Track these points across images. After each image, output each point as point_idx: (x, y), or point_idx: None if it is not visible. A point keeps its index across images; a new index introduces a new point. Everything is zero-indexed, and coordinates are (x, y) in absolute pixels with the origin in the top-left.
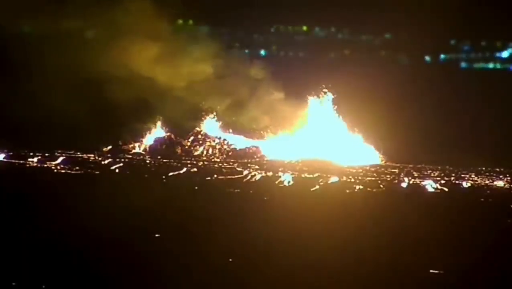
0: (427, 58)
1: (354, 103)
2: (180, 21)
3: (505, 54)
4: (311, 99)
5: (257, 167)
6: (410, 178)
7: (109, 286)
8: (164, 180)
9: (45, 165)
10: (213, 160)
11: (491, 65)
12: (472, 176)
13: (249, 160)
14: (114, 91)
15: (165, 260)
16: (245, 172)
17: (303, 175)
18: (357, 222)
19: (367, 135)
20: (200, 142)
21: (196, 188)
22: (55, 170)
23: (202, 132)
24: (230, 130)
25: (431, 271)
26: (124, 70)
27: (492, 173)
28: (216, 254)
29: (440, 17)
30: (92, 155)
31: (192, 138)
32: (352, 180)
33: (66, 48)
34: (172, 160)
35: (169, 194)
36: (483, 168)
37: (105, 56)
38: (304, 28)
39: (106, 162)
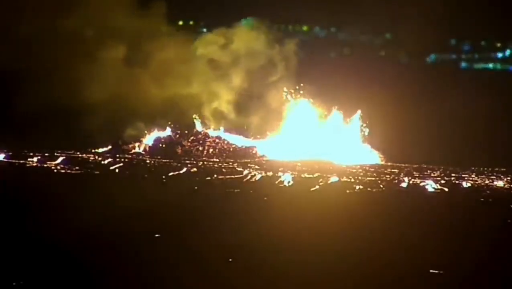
0: (427, 58)
1: (354, 103)
2: (180, 22)
3: (505, 54)
4: (311, 99)
5: (257, 167)
6: (410, 178)
7: (109, 286)
8: (164, 180)
9: (45, 165)
10: (213, 160)
11: (491, 65)
12: (472, 176)
13: (249, 160)
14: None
15: (165, 260)
16: (245, 172)
17: (303, 175)
18: (357, 222)
19: (367, 135)
20: (200, 142)
21: (196, 188)
22: (55, 170)
23: (202, 132)
24: (230, 130)
25: (431, 271)
26: (125, 69)
27: (492, 173)
28: (216, 254)
29: (440, 17)
30: (92, 155)
31: (192, 138)
32: (352, 180)
33: (67, 47)
34: (172, 160)
35: (169, 194)
36: (483, 168)
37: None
38: (304, 28)
39: (106, 162)
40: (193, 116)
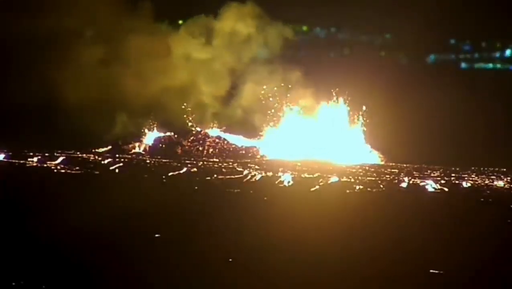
0: (427, 58)
1: (354, 103)
2: (180, 22)
3: (505, 54)
4: (311, 99)
5: (257, 167)
6: (410, 178)
7: (109, 286)
8: (164, 180)
9: (45, 165)
10: (213, 160)
11: (491, 65)
12: (472, 176)
13: (249, 160)
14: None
15: (165, 260)
16: (245, 172)
17: (303, 175)
18: (357, 222)
19: (367, 134)
20: (200, 142)
21: (196, 188)
22: (55, 170)
23: (202, 132)
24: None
25: (431, 271)
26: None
27: (492, 173)
28: (216, 254)
29: (440, 17)
30: (92, 155)
31: (192, 138)
32: (352, 180)
33: (66, 46)
34: (172, 160)
35: (169, 194)
36: (483, 168)
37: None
38: (304, 28)
39: (106, 162)
40: (185, 117)
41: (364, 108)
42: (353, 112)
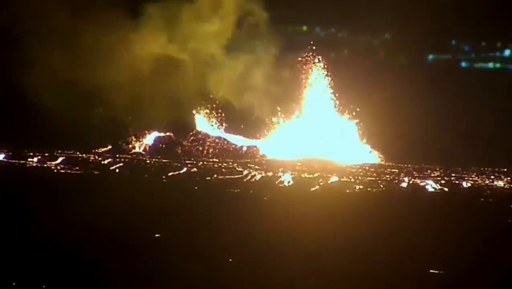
0: (427, 57)
1: (354, 103)
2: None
3: (505, 54)
4: (311, 99)
5: (257, 167)
6: (410, 178)
7: (109, 286)
8: (164, 180)
9: (45, 165)
10: (213, 160)
11: (491, 65)
12: (472, 176)
13: (249, 160)
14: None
15: (165, 260)
16: (245, 172)
17: (303, 175)
18: (357, 222)
19: (367, 134)
20: (200, 142)
21: (196, 188)
22: (55, 170)
23: (202, 132)
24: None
25: (431, 271)
26: (122, 68)
27: (492, 173)
28: (216, 254)
29: (440, 17)
30: (92, 155)
31: (192, 138)
32: (352, 180)
33: (65, 46)
34: (172, 160)
35: (169, 194)
36: (483, 168)
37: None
38: (304, 28)
39: (106, 162)
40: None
41: (360, 110)
42: (352, 111)
